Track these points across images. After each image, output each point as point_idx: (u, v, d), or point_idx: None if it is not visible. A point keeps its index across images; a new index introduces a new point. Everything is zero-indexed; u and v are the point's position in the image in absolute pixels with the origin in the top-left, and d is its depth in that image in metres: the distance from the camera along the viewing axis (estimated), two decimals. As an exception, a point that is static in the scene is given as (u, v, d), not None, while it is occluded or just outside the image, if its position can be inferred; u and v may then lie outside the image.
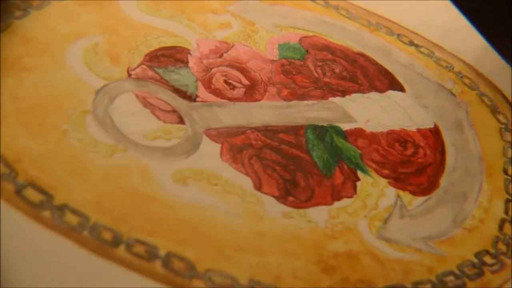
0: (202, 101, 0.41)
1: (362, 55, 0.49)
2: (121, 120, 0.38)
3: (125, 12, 0.44)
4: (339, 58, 0.48)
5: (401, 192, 0.40)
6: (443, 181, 0.42)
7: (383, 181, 0.40)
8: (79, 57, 0.41)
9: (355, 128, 0.43)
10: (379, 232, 0.38)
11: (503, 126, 0.47)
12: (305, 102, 0.43)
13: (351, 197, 0.39)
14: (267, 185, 0.38)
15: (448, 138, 0.45)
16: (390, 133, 0.43)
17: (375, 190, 0.40)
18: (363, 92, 0.46)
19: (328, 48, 0.48)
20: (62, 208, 0.33)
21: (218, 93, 0.42)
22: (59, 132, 0.36)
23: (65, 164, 0.35)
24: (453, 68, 0.51)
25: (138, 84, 0.40)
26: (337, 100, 0.44)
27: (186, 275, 0.32)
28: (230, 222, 0.35)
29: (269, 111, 0.42)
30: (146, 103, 0.39)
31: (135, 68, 0.41)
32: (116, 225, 0.33)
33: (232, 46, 0.45)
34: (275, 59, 0.46)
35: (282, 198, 0.37)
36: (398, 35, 0.52)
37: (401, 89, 0.47)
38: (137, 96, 0.39)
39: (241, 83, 0.43)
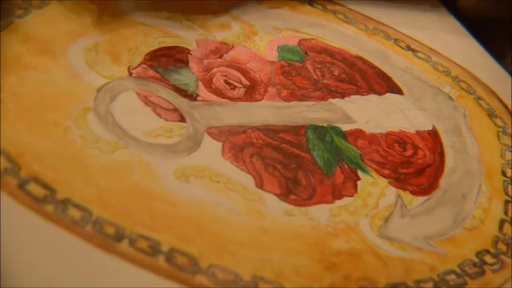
0: (203, 100, 0.41)
1: (360, 58, 0.49)
2: (123, 118, 0.38)
3: (125, 12, 0.44)
4: (337, 61, 0.48)
5: (401, 192, 0.40)
6: (443, 181, 0.42)
7: (383, 181, 0.40)
8: (79, 56, 0.41)
9: (354, 129, 0.43)
10: (380, 230, 0.38)
11: (501, 129, 0.47)
12: (305, 102, 0.43)
13: (352, 196, 0.39)
14: (268, 183, 0.38)
15: (446, 141, 0.45)
16: (390, 134, 0.44)
17: (375, 189, 0.40)
18: (362, 94, 0.46)
19: (326, 51, 0.48)
20: (65, 203, 0.32)
21: (218, 92, 0.42)
22: (61, 128, 0.36)
23: (67, 160, 0.34)
24: (450, 73, 0.51)
25: (139, 83, 0.40)
26: (336, 101, 0.44)
27: (189, 270, 0.32)
28: (233, 219, 0.35)
29: (269, 111, 0.42)
30: (147, 101, 0.39)
31: (136, 67, 0.41)
32: (119, 220, 0.33)
33: (232, 47, 0.45)
34: (274, 60, 0.46)
35: (284, 196, 0.37)
36: (395, 40, 0.52)
37: (399, 92, 0.48)
38: (138, 94, 0.39)
39: (241, 83, 0.43)
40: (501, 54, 0.56)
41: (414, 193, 0.41)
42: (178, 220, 0.34)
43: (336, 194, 0.39)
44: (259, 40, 0.47)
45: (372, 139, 0.43)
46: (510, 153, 0.46)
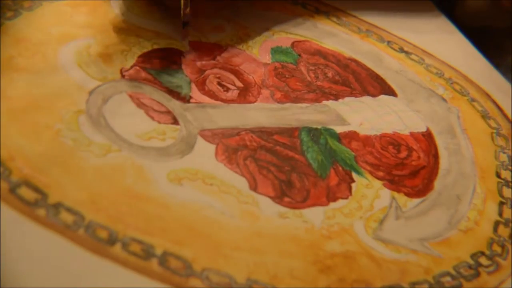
0: (196, 103, 0.40)
1: (354, 60, 0.49)
2: (115, 121, 0.37)
3: (118, 14, 0.44)
4: (331, 62, 0.48)
5: (396, 194, 0.40)
6: (437, 183, 0.42)
7: (377, 183, 0.40)
8: (71, 58, 0.40)
9: (348, 131, 0.43)
10: (375, 233, 0.37)
11: (494, 130, 0.47)
12: (299, 104, 0.43)
13: (346, 198, 0.39)
14: (262, 185, 0.37)
15: (440, 142, 0.45)
16: (384, 136, 0.43)
17: (370, 191, 0.40)
18: (356, 96, 0.46)
19: (320, 53, 0.48)
20: (57, 207, 0.32)
21: (211, 94, 0.41)
22: (52, 131, 0.36)
23: (59, 163, 0.34)
24: (443, 75, 0.51)
25: (132, 85, 0.40)
26: (330, 103, 0.44)
27: (182, 274, 0.32)
28: (226, 221, 0.35)
29: (263, 113, 0.41)
30: (140, 104, 0.39)
31: (128, 69, 0.41)
32: (111, 224, 0.32)
33: (225, 49, 0.45)
34: (268, 62, 0.46)
35: (278, 198, 0.37)
36: (388, 42, 0.52)
37: (393, 94, 0.47)
38: (131, 96, 0.39)
39: (234, 85, 0.43)
40: (501, 56, 0.56)
41: (408, 195, 0.40)
42: (172, 223, 0.34)
43: (331, 196, 0.38)
44: (252, 42, 0.47)
45: (366, 141, 0.43)
46: (504, 155, 0.45)
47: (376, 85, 0.47)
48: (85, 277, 0.30)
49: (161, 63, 0.42)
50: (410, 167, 0.42)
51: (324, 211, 0.37)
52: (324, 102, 0.44)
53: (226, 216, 0.35)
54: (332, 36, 0.51)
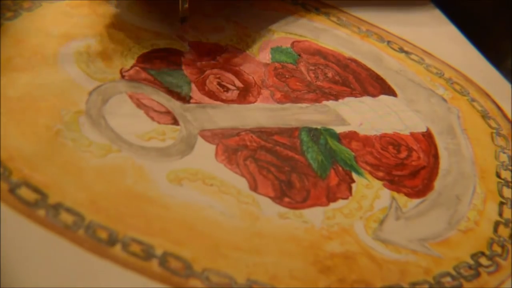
0: (196, 103, 0.40)
1: (354, 60, 0.49)
2: (115, 121, 0.37)
3: (117, 14, 0.44)
4: (331, 63, 0.48)
5: (395, 194, 0.40)
6: (437, 184, 0.42)
7: (377, 183, 0.40)
8: (71, 58, 0.40)
9: (348, 131, 0.43)
10: (375, 233, 0.37)
11: (494, 130, 0.47)
12: (299, 105, 0.43)
13: (346, 198, 0.39)
14: (262, 186, 0.37)
15: (440, 142, 0.45)
16: (384, 136, 0.43)
17: (370, 192, 0.40)
18: (356, 96, 0.46)
19: (320, 53, 0.48)
20: (57, 207, 0.32)
21: (211, 95, 0.41)
22: (52, 132, 0.36)
23: (59, 164, 0.34)
24: (443, 75, 0.51)
25: (132, 85, 0.40)
26: (330, 103, 0.44)
27: (182, 274, 0.32)
28: (226, 222, 0.35)
29: (263, 113, 0.41)
30: (140, 104, 0.39)
31: (128, 70, 0.41)
32: (111, 224, 0.32)
33: (225, 49, 0.45)
34: (268, 62, 0.46)
35: (278, 198, 0.37)
36: (388, 42, 0.52)
37: (393, 94, 0.47)
38: (131, 97, 0.39)
39: (234, 85, 0.43)
40: (501, 56, 0.56)
41: (408, 195, 0.40)
42: (171, 224, 0.34)
43: (331, 196, 0.38)
44: (252, 42, 0.47)
45: (366, 141, 0.42)
46: (504, 155, 0.45)
47: (376, 85, 0.47)
48: (85, 278, 0.30)
49: (161, 63, 0.42)
50: (410, 167, 0.42)
51: (324, 211, 0.37)
52: (324, 102, 0.44)
53: (226, 216, 0.35)
54: (332, 36, 0.51)
